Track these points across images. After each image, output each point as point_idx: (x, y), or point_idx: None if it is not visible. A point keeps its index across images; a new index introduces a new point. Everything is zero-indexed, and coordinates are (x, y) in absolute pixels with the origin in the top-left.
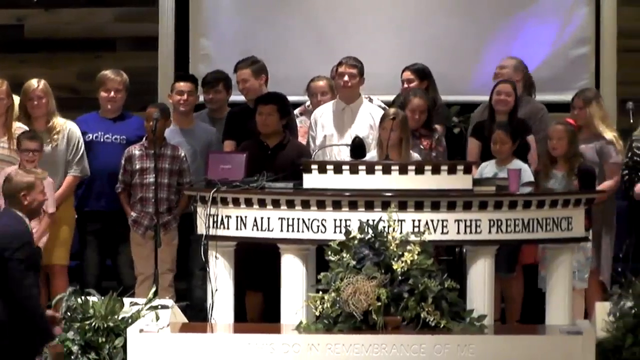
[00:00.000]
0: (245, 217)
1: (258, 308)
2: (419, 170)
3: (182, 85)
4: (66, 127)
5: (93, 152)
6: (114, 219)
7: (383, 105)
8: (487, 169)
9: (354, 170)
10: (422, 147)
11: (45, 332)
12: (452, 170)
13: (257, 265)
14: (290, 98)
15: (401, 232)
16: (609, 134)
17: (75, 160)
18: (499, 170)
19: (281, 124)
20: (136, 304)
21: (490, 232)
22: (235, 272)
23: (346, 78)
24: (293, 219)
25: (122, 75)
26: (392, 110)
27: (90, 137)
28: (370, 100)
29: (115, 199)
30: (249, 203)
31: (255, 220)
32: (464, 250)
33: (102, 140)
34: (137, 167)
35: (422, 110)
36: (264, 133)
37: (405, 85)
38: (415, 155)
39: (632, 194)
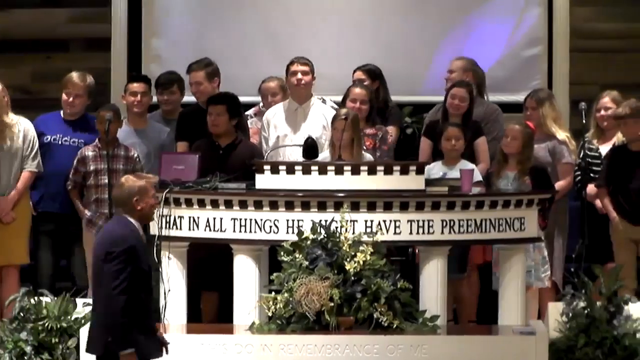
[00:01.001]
0: (198, 217)
1: (214, 308)
2: (372, 171)
3: (135, 86)
4: (19, 122)
5: (51, 154)
6: (67, 221)
7: (335, 106)
8: (435, 169)
9: (306, 171)
10: (364, 147)
11: (118, 340)
12: (404, 171)
13: (212, 266)
14: (242, 99)
15: (354, 233)
16: (562, 134)
17: (32, 156)
18: (448, 170)
19: (232, 124)
20: (89, 304)
21: (442, 232)
22: (188, 272)
23: (299, 76)
24: (246, 220)
25: (85, 80)
26: (343, 110)
27: (49, 139)
28: (324, 101)
29: (71, 201)
30: (201, 204)
31: (207, 221)
32: (417, 250)
33: (60, 142)
34: (92, 168)
35: (363, 100)
36: (214, 133)
37: None
38: (368, 156)
39: (584, 194)
